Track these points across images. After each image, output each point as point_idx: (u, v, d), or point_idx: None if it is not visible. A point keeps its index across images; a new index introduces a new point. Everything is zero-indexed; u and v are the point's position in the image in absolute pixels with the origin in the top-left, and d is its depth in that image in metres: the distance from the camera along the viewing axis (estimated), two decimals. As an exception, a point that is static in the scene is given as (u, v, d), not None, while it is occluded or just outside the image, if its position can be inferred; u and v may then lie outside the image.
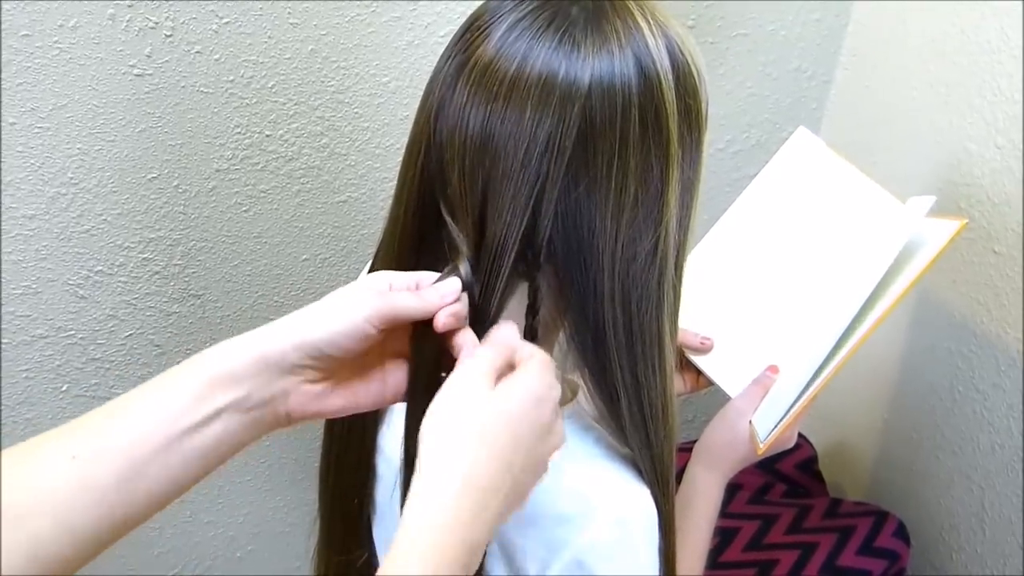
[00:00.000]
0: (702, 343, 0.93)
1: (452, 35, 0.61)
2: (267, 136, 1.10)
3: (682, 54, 0.59)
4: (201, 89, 1.05)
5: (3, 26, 0.95)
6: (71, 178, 1.05)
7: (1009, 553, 1.11)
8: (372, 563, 0.78)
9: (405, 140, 0.63)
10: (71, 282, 1.11)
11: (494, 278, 0.58)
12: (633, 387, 0.62)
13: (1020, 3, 1.00)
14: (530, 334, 0.61)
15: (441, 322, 0.58)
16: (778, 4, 1.24)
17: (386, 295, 0.57)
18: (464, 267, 0.60)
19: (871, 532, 1.12)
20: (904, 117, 1.20)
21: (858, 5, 1.26)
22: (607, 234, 0.58)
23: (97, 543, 0.50)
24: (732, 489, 0.97)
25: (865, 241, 0.89)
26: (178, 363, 0.54)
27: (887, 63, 1.23)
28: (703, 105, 0.61)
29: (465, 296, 0.59)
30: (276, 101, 1.09)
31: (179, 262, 1.14)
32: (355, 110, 1.12)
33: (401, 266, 0.63)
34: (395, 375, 0.61)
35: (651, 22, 0.58)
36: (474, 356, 0.56)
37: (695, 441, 0.90)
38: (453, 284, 0.59)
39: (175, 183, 1.09)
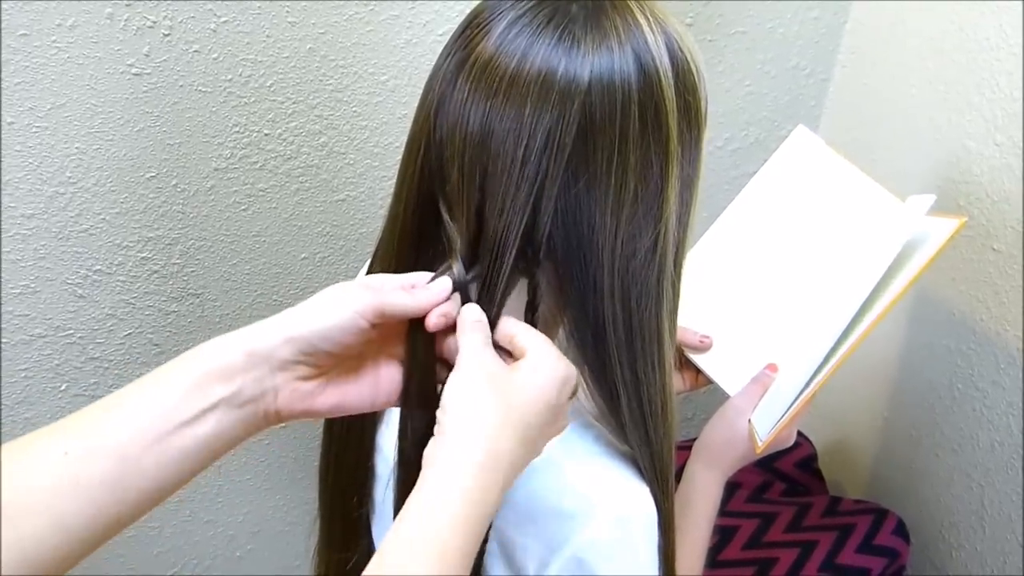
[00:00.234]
0: (701, 341, 0.93)
1: (450, 33, 0.61)
2: (266, 135, 1.10)
3: (681, 51, 0.59)
4: (199, 88, 1.05)
5: (2, 25, 0.95)
6: (69, 177, 1.05)
7: (1009, 551, 1.11)
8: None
9: (404, 138, 0.63)
10: (70, 281, 1.11)
11: (495, 275, 0.59)
12: (633, 384, 0.62)
13: (1019, 1, 1.00)
14: None
15: (432, 321, 0.58)
16: (776, 2, 1.24)
17: (378, 291, 0.57)
18: (457, 266, 0.60)
19: (871, 530, 1.12)
20: (903, 115, 1.20)
21: (856, 3, 1.26)
22: (607, 230, 0.58)
23: (90, 541, 0.50)
24: (731, 487, 0.97)
25: (864, 240, 0.89)
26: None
27: (886, 61, 1.23)
28: (702, 102, 0.61)
29: (457, 295, 0.60)
30: (274, 100, 1.09)
31: (178, 261, 1.14)
32: (353, 108, 1.12)
33: (400, 264, 0.64)
34: (387, 378, 0.61)
35: (650, 19, 0.58)
36: (474, 330, 0.57)
37: (694, 439, 0.90)
38: (444, 283, 0.59)
39: (173, 182, 1.09)
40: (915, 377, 1.23)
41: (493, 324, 0.59)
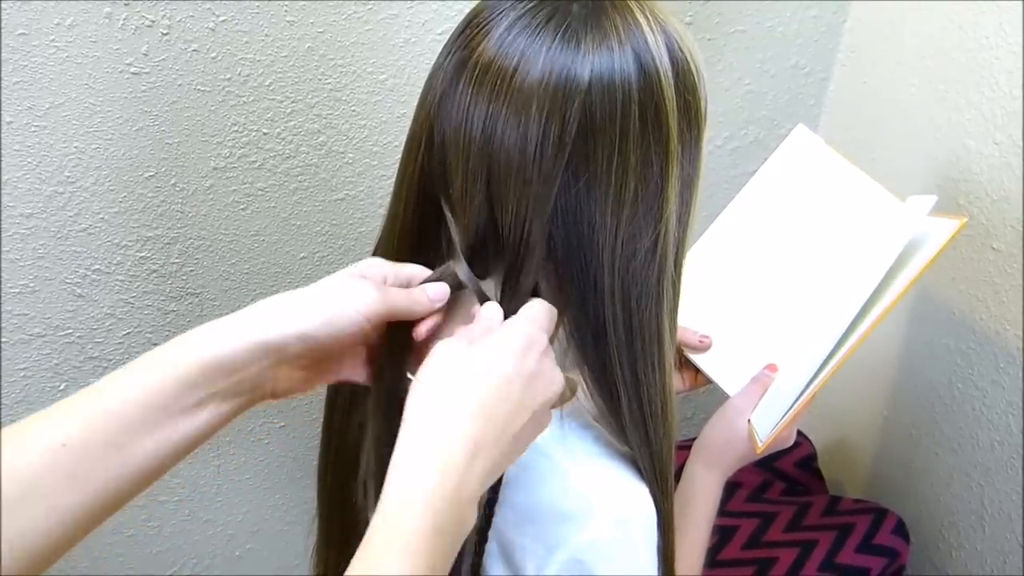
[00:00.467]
0: (700, 341, 0.93)
1: (449, 32, 0.61)
2: (264, 134, 1.10)
3: (681, 51, 0.59)
4: (198, 87, 1.05)
5: (1, 25, 0.95)
6: (68, 176, 1.05)
7: (1009, 550, 1.11)
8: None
9: (403, 138, 0.63)
10: (69, 281, 1.10)
11: (520, 274, 0.59)
12: (632, 384, 0.62)
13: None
14: None
15: (422, 333, 0.60)
16: (776, 1, 1.24)
17: (384, 291, 0.57)
18: (462, 269, 0.60)
19: (870, 529, 1.12)
20: (902, 114, 1.20)
21: (856, 2, 1.26)
22: (607, 230, 0.58)
23: (86, 527, 0.51)
24: (731, 487, 0.97)
25: (865, 240, 0.89)
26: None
27: (885, 60, 1.23)
28: (702, 102, 0.61)
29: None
30: (273, 99, 1.08)
31: (177, 260, 1.14)
32: (352, 108, 1.12)
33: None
34: (368, 357, 0.62)
35: (650, 19, 0.58)
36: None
37: (694, 439, 0.90)
38: (443, 289, 0.60)
39: (172, 181, 1.09)
40: (915, 376, 1.23)
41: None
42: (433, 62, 0.61)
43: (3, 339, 1.11)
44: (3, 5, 0.94)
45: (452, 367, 0.53)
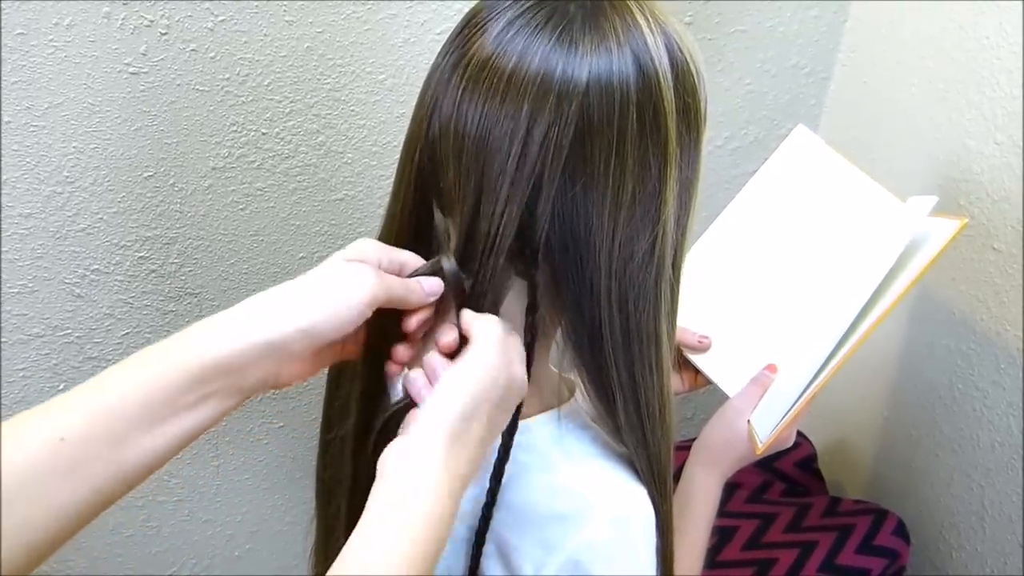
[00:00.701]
0: (700, 342, 0.93)
1: (448, 32, 0.61)
2: (263, 134, 1.10)
3: (681, 52, 0.59)
4: (197, 87, 1.05)
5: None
6: (67, 177, 1.04)
7: (1009, 551, 1.10)
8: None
9: (402, 137, 0.63)
10: (67, 281, 1.10)
11: (485, 275, 0.58)
12: (630, 386, 0.62)
13: (1019, -1, 1.00)
14: (530, 332, 0.61)
15: (413, 327, 0.60)
16: (776, 1, 1.24)
17: (383, 278, 0.57)
18: (449, 262, 0.59)
19: (870, 530, 1.11)
20: (903, 114, 1.20)
21: (856, 2, 1.26)
22: (604, 232, 0.58)
23: (84, 521, 0.50)
24: (731, 488, 0.97)
25: (865, 241, 0.89)
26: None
27: (886, 60, 1.23)
28: (702, 104, 0.61)
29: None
30: (272, 99, 1.08)
31: (176, 260, 1.14)
32: (351, 108, 1.12)
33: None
34: (354, 340, 0.62)
35: (650, 20, 0.58)
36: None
37: (694, 439, 0.89)
38: (437, 284, 0.60)
39: (171, 181, 1.09)
40: (915, 377, 1.23)
41: None
42: (432, 62, 0.61)
43: (2, 339, 1.11)
44: (2, 5, 0.94)
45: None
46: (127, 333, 1.16)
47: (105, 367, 0.52)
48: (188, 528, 1.34)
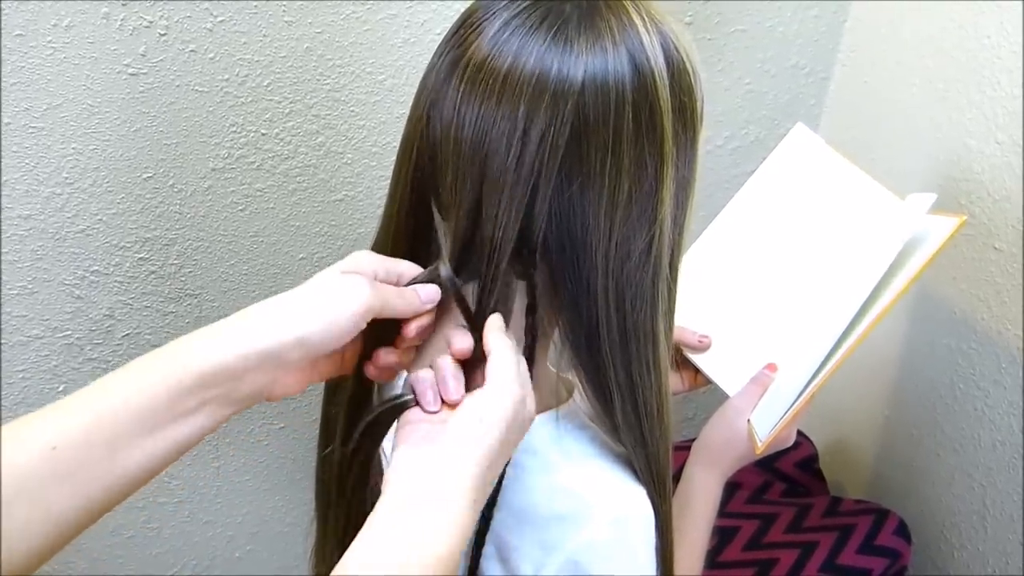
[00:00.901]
0: (700, 341, 0.93)
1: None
2: (263, 135, 1.10)
3: (677, 51, 0.58)
4: (196, 88, 1.05)
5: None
6: (66, 178, 1.04)
7: (1011, 551, 1.10)
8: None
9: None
10: (67, 282, 1.10)
11: (490, 278, 0.58)
12: (627, 386, 0.62)
13: (1019, -2, 1.00)
14: (531, 332, 0.61)
15: (411, 336, 0.59)
16: (776, 1, 1.23)
17: (378, 289, 0.57)
18: (444, 268, 0.59)
19: (872, 530, 1.11)
20: (903, 113, 1.20)
21: (856, 2, 1.26)
22: (601, 232, 0.58)
23: (79, 528, 0.50)
24: (731, 488, 0.97)
25: (864, 238, 0.89)
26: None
27: (886, 59, 1.22)
28: (698, 103, 0.60)
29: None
30: (272, 100, 1.08)
31: (175, 262, 1.14)
32: (351, 108, 1.12)
33: (395, 265, 0.63)
34: (351, 352, 0.62)
35: (646, 19, 0.58)
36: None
37: (694, 439, 0.89)
38: (434, 291, 0.59)
39: (171, 182, 1.09)
40: (916, 376, 1.23)
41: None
42: (428, 62, 0.61)
43: (2, 341, 1.11)
44: (1, 6, 0.94)
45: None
46: (127, 334, 1.16)
47: (105, 369, 0.52)
48: (189, 529, 1.34)
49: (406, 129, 0.62)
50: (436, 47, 0.60)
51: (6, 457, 0.48)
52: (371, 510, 0.52)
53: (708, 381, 0.94)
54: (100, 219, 1.08)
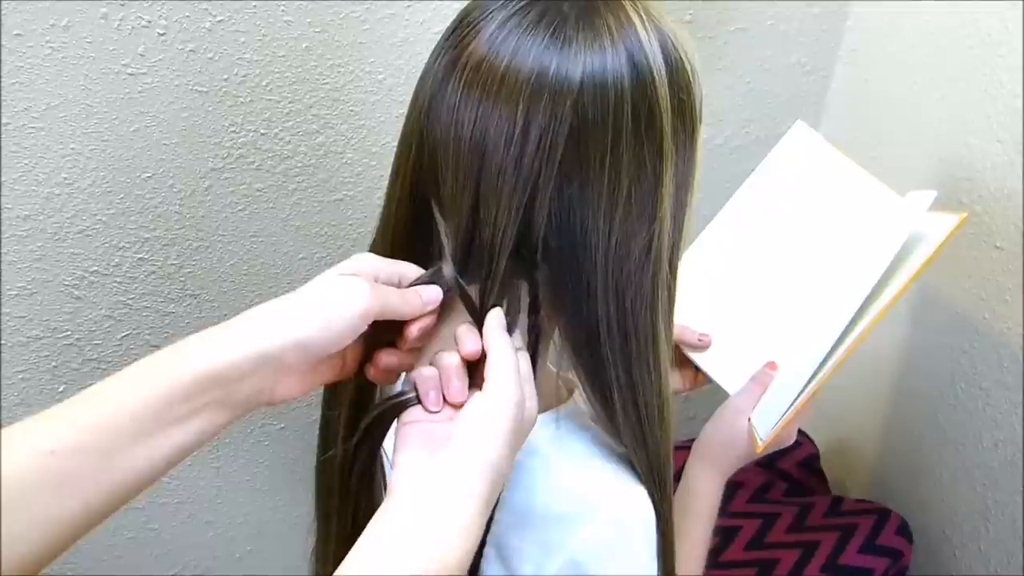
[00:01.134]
0: (700, 340, 0.92)
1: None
2: (262, 135, 1.10)
3: (675, 49, 0.58)
4: (195, 88, 1.04)
5: (-3, 26, 0.95)
6: (65, 178, 1.04)
7: (1012, 551, 1.10)
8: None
9: (399, 138, 0.63)
10: (67, 283, 1.10)
11: (491, 279, 0.58)
12: (627, 386, 0.62)
13: (1021, -4, 1.00)
14: (533, 332, 0.61)
15: (414, 337, 0.59)
16: None
17: (379, 290, 0.57)
18: (448, 268, 0.59)
19: (873, 530, 1.11)
20: (904, 112, 1.20)
21: (858, 0, 1.26)
22: (600, 231, 0.57)
23: (75, 535, 0.50)
24: (732, 488, 0.96)
25: (864, 236, 0.89)
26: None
27: (887, 57, 1.22)
28: (697, 101, 0.60)
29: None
30: (271, 99, 1.08)
31: (175, 262, 1.14)
32: (350, 108, 1.12)
33: (393, 265, 0.63)
34: (352, 356, 0.62)
35: (644, 17, 0.57)
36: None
37: (694, 439, 0.89)
38: (435, 292, 0.59)
39: (170, 182, 1.09)
40: (918, 376, 1.22)
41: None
42: (425, 61, 0.60)
43: (1, 342, 1.11)
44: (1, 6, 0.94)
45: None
46: (127, 335, 1.16)
47: (105, 369, 0.52)
48: (189, 530, 1.34)
49: (403, 129, 0.62)
50: (433, 47, 0.60)
51: (4, 462, 0.48)
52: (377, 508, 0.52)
53: (708, 380, 0.94)
54: (100, 219, 1.08)
